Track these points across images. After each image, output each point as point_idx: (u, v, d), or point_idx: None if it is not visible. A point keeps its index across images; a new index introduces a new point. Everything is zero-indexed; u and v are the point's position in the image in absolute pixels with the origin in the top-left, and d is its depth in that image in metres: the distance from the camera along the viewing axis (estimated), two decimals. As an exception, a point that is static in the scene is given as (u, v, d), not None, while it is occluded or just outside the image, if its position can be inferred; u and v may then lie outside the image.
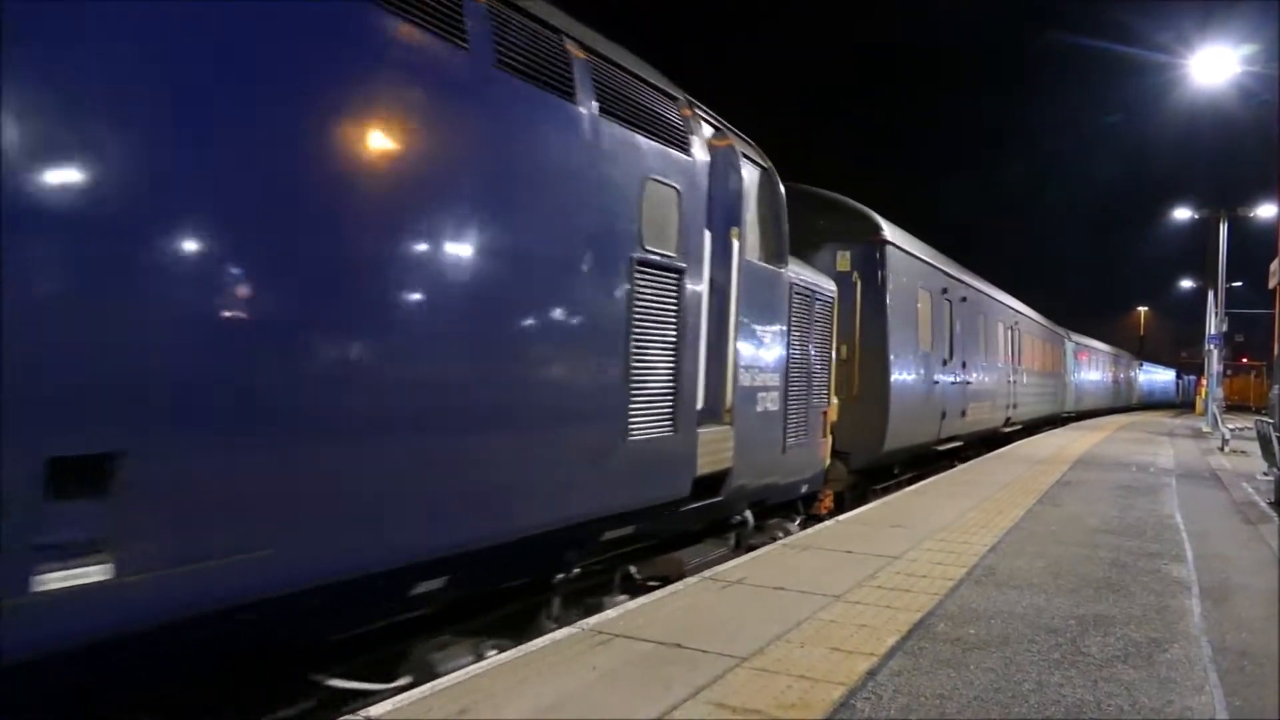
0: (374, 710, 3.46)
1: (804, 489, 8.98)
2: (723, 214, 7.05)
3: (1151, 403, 68.37)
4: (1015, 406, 21.55)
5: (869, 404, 11.23)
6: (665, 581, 6.19)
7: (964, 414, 15.89)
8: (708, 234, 6.45)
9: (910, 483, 12.67)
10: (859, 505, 10.30)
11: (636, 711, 3.55)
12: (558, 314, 4.84)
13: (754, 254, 7.52)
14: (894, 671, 4.18)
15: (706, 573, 6.20)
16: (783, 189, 8.03)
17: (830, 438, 9.71)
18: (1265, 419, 15.18)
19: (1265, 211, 29.93)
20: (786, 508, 9.05)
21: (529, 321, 4.64)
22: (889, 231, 11.86)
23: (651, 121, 5.70)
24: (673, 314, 5.94)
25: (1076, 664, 4.44)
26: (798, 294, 8.41)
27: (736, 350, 7.03)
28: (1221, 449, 21.30)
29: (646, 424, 5.65)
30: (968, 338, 16.47)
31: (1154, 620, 5.33)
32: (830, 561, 6.55)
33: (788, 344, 8.12)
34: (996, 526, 8.39)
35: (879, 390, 11.38)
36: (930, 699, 3.87)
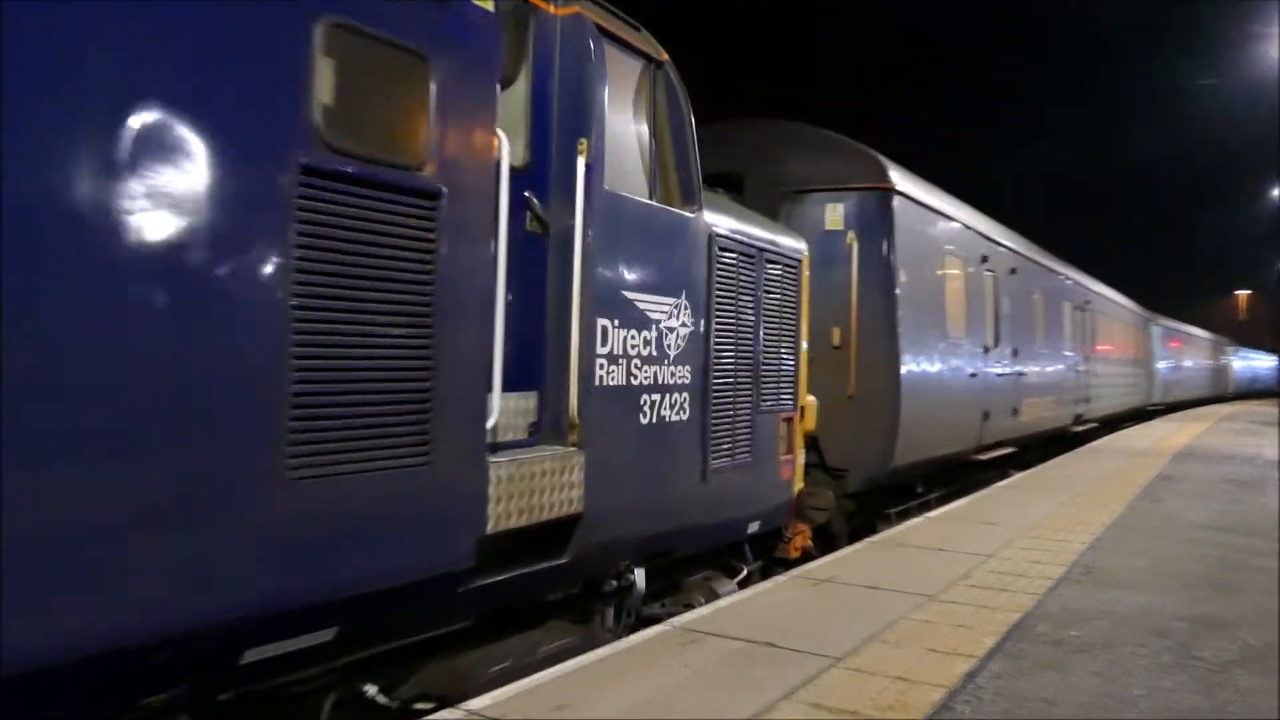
0: (474, 703, 3.50)
1: (753, 527, 6.41)
2: (569, 119, 4.59)
3: (1251, 391, 63.24)
4: (1088, 401, 18.41)
5: (872, 405, 8.55)
6: (442, 703, 3.78)
7: (1016, 413, 12.98)
8: (504, 141, 3.98)
9: (941, 503, 9.94)
10: (863, 537, 7.70)
11: (731, 710, 3.50)
12: (69, 250, 2.45)
13: (633, 186, 5.01)
14: (994, 674, 4.06)
15: (796, 570, 5.99)
16: (686, 98, 5.50)
17: (801, 453, 7.12)
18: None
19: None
20: (732, 552, 6.49)
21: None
22: (899, 179, 9.12)
23: None
24: (417, 266, 3.50)
25: (1188, 669, 4.23)
26: (727, 251, 5.86)
27: (592, 330, 4.56)
28: (1333, 439, 18.88)
29: (347, 451, 3.23)
30: (1020, 319, 13.52)
31: (1270, 623, 4.97)
32: (921, 559, 6.38)
33: (707, 322, 5.59)
34: (1094, 523, 8.00)
35: (885, 387, 8.66)
36: (1034, 703, 3.74)
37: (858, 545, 6.95)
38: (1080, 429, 18.14)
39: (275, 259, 2.98)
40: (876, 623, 4.73)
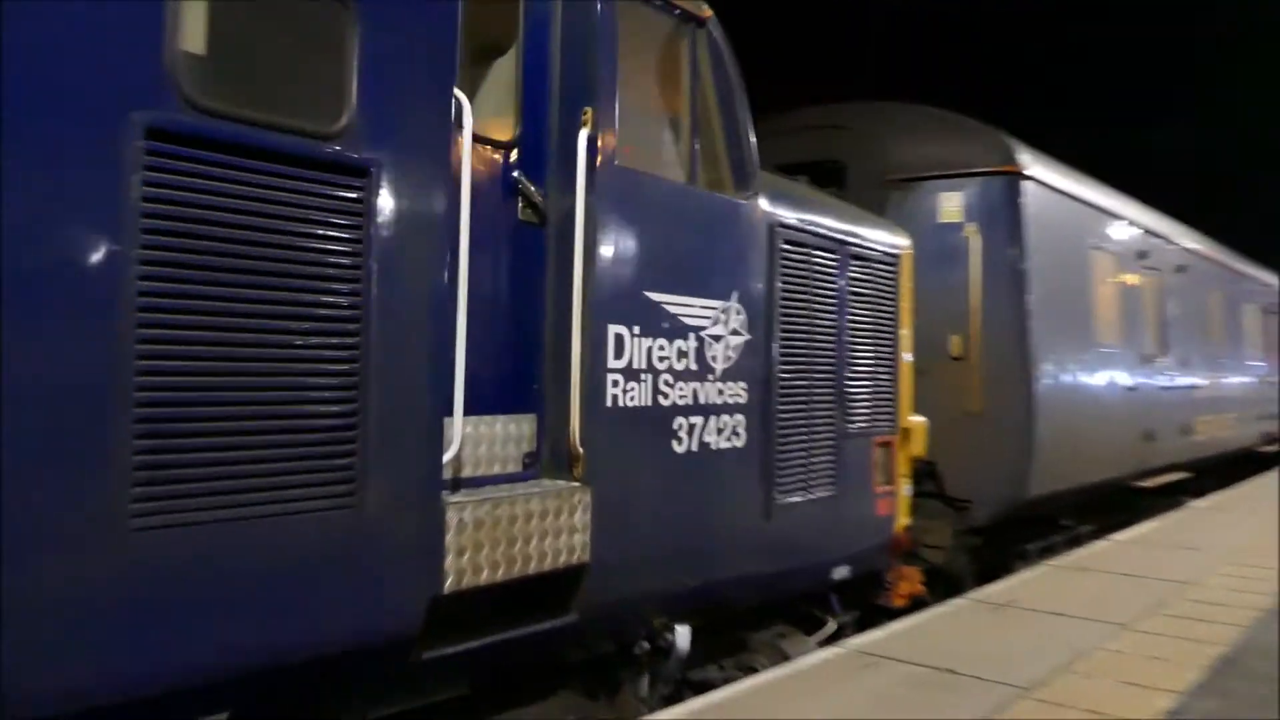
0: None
1: (840, 573, 5.38)
2: (571, 84, 3.81)
3: None
4: (1281, 417, 16.04)
5: (1000, 424, 7.31)
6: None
7: (1188, 432, 11.22)
8: (466, 106, 3.23)
9: (1094, 537, 8.52)
10: (995, 579, 6.53)
11: None
12: None
13: (662, 166, 4.18)
14: (1203, 713, 3.75)
15: (974, 593, 5.90)
16: (736, 64, 4.61)
17: (906, 483, 6.03)
18: None
19: None
20: (815, 603, 5.48)
21: None
22: (1029, 161, 7.85)
23: None
24: (335, 259, 2.79)
25: None
26: (796, 245, 4.91)
27: (601, 339, 3.73)
28: None
29: (227, 493, 2.54)
30: (1192, 325, 11.74)
31: None
32: (1109, 585, 6.12)
33: (769, 329, 4.67)
34: (1308, 548, 7.45)
35: (1016, 402, 7.39)
36: None
37: (1038, 568, 6.78)
38: (1273, 449, 15.81)
39: (102, 244, 2.32)
40: (1064, 652, 4.54)
